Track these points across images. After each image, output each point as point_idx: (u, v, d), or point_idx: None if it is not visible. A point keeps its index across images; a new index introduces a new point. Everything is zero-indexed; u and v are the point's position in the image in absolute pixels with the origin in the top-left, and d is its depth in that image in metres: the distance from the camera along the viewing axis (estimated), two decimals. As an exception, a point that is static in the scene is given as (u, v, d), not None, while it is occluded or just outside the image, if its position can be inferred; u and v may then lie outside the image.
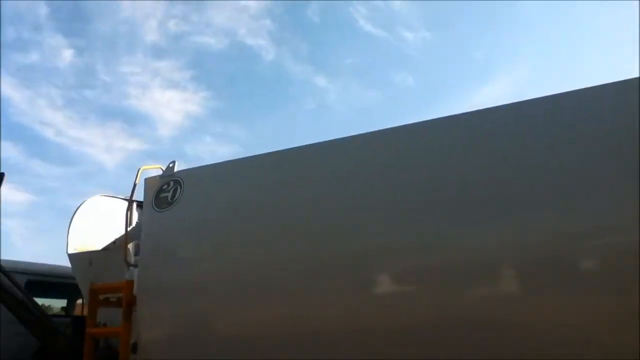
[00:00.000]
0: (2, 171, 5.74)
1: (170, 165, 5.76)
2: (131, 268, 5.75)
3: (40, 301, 7.91)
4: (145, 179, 5.93)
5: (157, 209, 5.51)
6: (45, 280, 7.72)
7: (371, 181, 4.53)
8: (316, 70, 26.38)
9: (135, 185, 5.83)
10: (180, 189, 5.48)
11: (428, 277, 4.07)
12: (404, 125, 4.54)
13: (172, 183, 5.59)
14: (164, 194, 5.57)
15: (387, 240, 4.25)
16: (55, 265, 8.03)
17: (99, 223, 7.20)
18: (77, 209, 7.01)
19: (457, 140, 4.29)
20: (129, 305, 5.29)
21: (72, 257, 6.75)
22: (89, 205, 7.14)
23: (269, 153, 5.32)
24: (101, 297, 5.67)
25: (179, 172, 5.66)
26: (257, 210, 5.07)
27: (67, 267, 8.01)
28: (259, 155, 5.40)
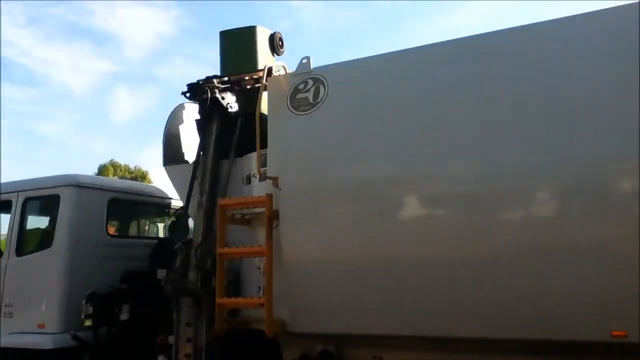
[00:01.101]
0: None
1: (304, 61, 4.90)
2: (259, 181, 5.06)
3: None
4: (270, 78, 5.08)
5: (295, 112, 4.70)
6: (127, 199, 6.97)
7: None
8: None
9: (263, 85, 4.98)
10: (325, 88, 4.64)
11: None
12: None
13: (310, 82, 4.75)
14: (302, 94, 4.74)
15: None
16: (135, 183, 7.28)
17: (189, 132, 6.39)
18: (169, 118, 6.16)
19: None
20: (270, 221, 4.59)
21: (174, 169, 5.97)
22: (178, 114, 6.29)
23: (433, 44, 4.51)
24: (228, 213, 4.95)
25: (316, 69, 4.81)
26: (419, 110, 4.32)
27: (147, 185, 7.31)
28: (418, 47, 4.58)
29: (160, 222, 7.79)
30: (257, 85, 5.77)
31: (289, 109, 4.74)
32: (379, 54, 4.73)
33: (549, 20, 4.15)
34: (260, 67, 6.01)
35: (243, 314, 5.06)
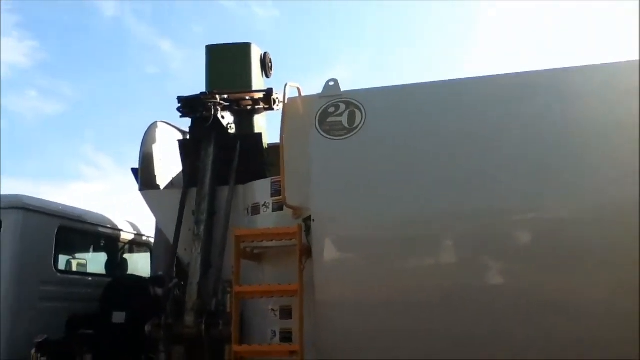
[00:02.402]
0: None
1: (331, 83, 4.54)
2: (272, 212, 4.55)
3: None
4: (289, 99, 4.63)
5: (329, 136, 4.30)
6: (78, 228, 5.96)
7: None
8: (161, 34, 23.90)
9: (285, 109, 4.52)
10: (362, 114, 4.31)
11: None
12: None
13: (342, 105, 4.40)
14: (334, 118, 4.36)
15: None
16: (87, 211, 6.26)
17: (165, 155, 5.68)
18: (145, 138, 5.42)
19: None
20: (301, 256, 4.09)
21: (154, 195, 5.20)
22: (153, 134, 5.57)
23: (466, 78, 4.41)
24: (243, 246, 4.34)
25: (348, 93, 4.47)
26: (456, 141, 4.16)
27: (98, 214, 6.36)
28: (455, 79, 4.45)
29: (112, 256, 6.74)
30: (256, 107, 5.33)
31: (319, 132, 4.33)
32: (416, 82, 4.51)
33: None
34: (254, 87, 5.57)
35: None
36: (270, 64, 5.88)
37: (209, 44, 5.71)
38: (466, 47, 22.54)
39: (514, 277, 3.95)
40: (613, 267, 3.69)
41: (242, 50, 5.63)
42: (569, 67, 4.18)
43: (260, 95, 5.28)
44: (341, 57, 23.95)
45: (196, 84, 4.95)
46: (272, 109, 5.37)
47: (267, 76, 5.88)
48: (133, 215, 6.99)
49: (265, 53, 5.84)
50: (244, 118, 5.33)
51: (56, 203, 5.77)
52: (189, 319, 4.41)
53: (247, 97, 5.21)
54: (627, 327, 3.59)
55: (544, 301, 3.80)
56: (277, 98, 5.28)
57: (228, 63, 5.60)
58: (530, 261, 3.87)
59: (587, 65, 4.17)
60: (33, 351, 4.81)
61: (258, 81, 5.68)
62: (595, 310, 3.74)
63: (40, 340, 4.85)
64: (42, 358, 4.80)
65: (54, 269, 5.57)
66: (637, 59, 3.96)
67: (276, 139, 5.15)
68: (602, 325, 3.71)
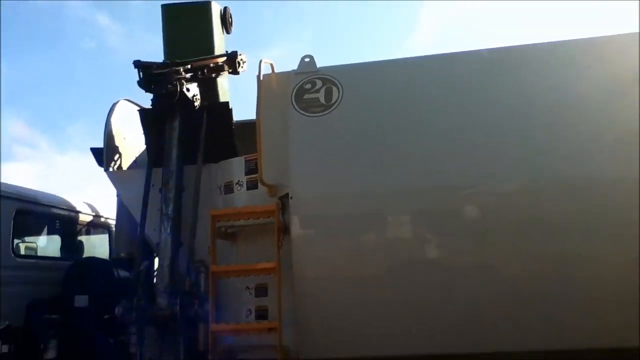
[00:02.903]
0: None
1: (307, 59, 4.48)
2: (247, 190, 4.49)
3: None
4: (265, 75, 4.54)
5: (306, 113, 4.26)
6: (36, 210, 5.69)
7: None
8: (97, 8, 22.91)
9: (260, 86, 4.42)
10: (339, 90, 4.29)
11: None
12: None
13: (319, 82, 4.36)
14: (311, 95, 4.32)
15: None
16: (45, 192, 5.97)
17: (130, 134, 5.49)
18: (109, 115, 5.20)
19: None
20: (280, 234, 4.05)
21: (120, 175, 5.02)
22: (117, 111, 5.36)
23: (441, 54, 4.46)
24: (218, 225, 4.26)
25: (323, 69, 4.43)
26: (433, 116, 4.22)
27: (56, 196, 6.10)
28: (431, 55, 4.50)
29: (71, 238, 6.47)
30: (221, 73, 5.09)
31: (296, 109, 4.28)
32: (392, 59, 4.51)
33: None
34: (217, 49, 5.31)
35: (225, 342, 4.35)
36: (230, 20, 5.58)
37: (165, 2, 5.31)
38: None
39: (489, 251, 4.02)
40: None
41: (201, 10, 5.30)
42: (554, 41, 4.25)
43: (224, 59, 5.05)
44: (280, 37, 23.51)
45: (137, 57, 4.64)
46: (237, 73, 5.14)
47: (228, 32, 5.59)
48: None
49: (225, 8, 5.52)
50: (208, 86, 5.14)
51: (13, 185, 5.48)
52: (162, 300, 4.30)
53: (212, 65, 4.96)
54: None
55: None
56: (241, 60, 5.07)
57: (188, 25, 5.26)
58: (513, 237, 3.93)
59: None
60: (-6, 338, 4.59)
61: (219, 41, 5.40)
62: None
63: (2, 327, 4.63)
64: (4, 346, 4.58)
65: (12, 253, 5.31)
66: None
67: (247, 115, 5.08)
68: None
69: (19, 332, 4.73)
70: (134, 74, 4.60)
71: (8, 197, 5.31)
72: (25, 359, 4.67)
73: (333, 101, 4.26)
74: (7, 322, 4.66)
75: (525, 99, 4.09)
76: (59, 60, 21.43)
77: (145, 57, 4.72)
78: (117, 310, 4.34)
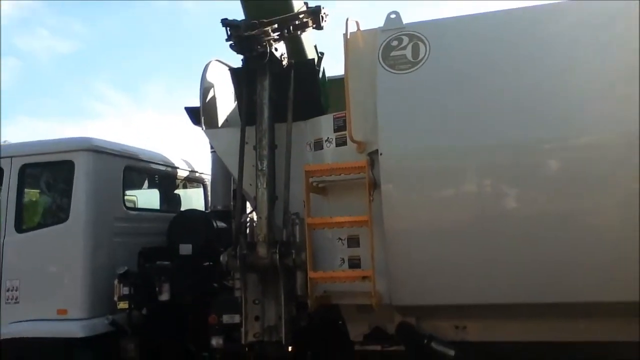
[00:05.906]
0: None
1: (392, 16, 4.52)
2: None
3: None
4: (352, 33, 4.63)
5: (393, 71, 4.35)
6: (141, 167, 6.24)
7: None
8: None
9: (347, 44, 4.52)
10: (426, 46, 4.33)
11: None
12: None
13: (405, 38, 4.41)
14: (398, 52, 4.39)
15: None
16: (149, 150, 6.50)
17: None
18: (203, 76, 5.50)
19: None
20: (370, 189, 4.26)
21: (218, 133, 5.37)
22: (211, 71, 5.65)
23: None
24: (312, 180, 4.53)
25: (410, 25, 4.47)
26: (514, 71, 4.19)
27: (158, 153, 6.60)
28: (516, 9, 4.39)
29: (175, 193, 7.05)
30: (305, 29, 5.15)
31: (383, 66, 4.37)
32: (476, 13, 4.47)
33: None
34: (295, 6, 5.31)
35: (320, 289, 4.69)
36: None
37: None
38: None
39: (576, 203, 4.02)
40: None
41: None
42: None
43: (308, 14, 5.04)
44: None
45: (209, 18, 4.58)
46: (321, 28, 5.12)
47: None
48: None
49: None
50: (293, 44, 5.24)
51: (121, 144, 6.00)
52: (262, 250, 4.67)
53: (297, 21, 4.96)
54: None
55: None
56: (324, 14, 5.06)
57: None
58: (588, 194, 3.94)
59: None
60: (116, 281, 5.19)
61: (298, 3, 5.22)
62: None
63: (122, 271, 5.22)
64: (124, 288, 5.17)
65: (123, 206, 5.88)
66: None
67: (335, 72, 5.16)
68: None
69: (137, 276, 5.30)
70: (206, 35, 4.72)
71: (118, 155, 5.83)
72: (143, 298, 5.25)
73: (420, 57, 4.32)
74: (127, 267, 5.23)
75: (615, 52, 3.97)
76: (133, 21, 22.05)
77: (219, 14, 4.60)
78: (222, 258, 4.76)
